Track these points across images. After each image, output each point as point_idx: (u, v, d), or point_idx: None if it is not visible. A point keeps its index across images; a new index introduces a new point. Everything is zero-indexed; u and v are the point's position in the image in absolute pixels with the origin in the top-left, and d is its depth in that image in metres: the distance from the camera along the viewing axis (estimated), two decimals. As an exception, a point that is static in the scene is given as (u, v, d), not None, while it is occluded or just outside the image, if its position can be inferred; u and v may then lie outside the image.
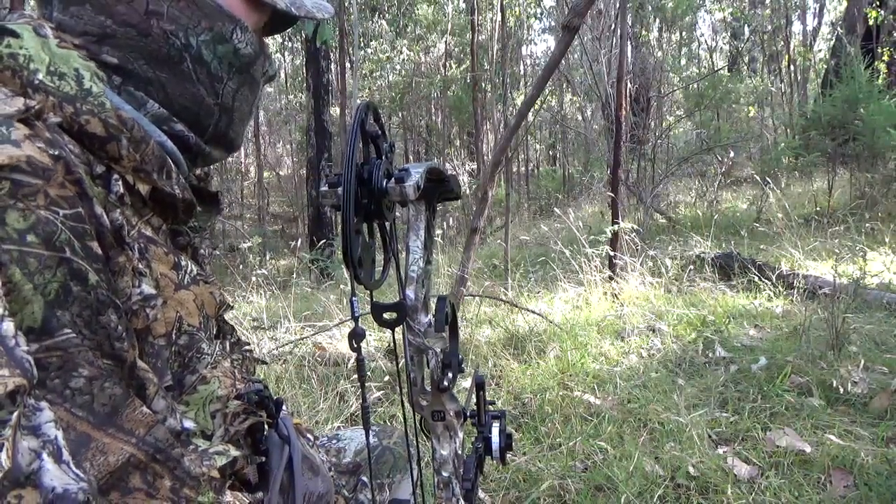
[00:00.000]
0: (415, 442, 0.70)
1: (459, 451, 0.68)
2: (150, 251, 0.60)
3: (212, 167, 0.81)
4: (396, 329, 0.58)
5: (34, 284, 0.47)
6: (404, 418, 0.65)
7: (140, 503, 0.51)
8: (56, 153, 0.51)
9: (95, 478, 0.48)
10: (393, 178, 0.53)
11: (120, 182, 0.58)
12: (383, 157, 0.54)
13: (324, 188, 0.53)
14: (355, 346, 0.52)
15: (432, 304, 0.65)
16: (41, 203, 0.49)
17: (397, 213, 0.62)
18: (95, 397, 0.50)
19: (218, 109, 0.69)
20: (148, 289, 0.58)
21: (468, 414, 0.74)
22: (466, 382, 2.18)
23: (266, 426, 0.77)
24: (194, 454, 0.58)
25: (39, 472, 0.44)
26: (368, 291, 0.58)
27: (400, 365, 0.64)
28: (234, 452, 0.62)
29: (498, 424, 0.75)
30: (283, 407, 0.83)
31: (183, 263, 0.64)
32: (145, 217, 0.62)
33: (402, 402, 0.63)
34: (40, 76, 0.55)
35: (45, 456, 0.44)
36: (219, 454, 0.60)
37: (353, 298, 0.51)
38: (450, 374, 0.62)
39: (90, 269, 0.51)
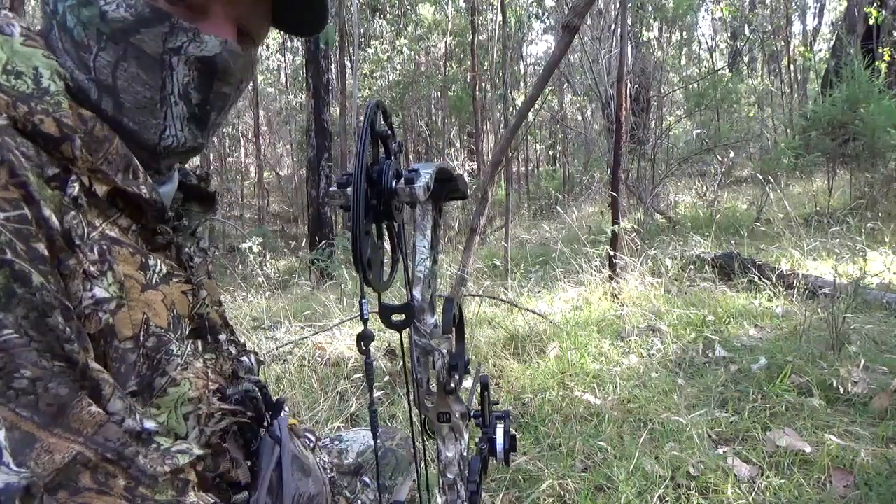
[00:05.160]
0: (420, 443, 0.70)
1: (465, 453, 0.68)
2: (113, 252, 0.59)
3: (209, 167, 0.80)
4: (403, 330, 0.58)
5: None
6: (410, 420, 0.65)
7: (93, 500, 0.50)
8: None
9: (40, 476, 0.47)
10: (403, 179, 0.53)
11: (76, 184, 0.57)
12: (392, 158, 0.54)
13: (332, 188, 0.52)
14: (364, 348, 0.52)
15: (438, 304, 0.65)
16: None
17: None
18: (40, 398, 0.49)
19: (95, 87, 0.61)
20: (101, 292, 0.56)
21: (472, 415, 0.74)
22: (467, 383, 2.18)
23: (259, 427, 0.75)
24: (156, 453, 0.57)
25: None
26: (374, 292, 0.58)
27: (407, 366, 0.64)
28: (196, 451, 0.61)
29: (502, 425, 0.75)
30: (285, 408, 0.83)
31: (151, 263, 0.63)
32: (111, 218, 0.61)
33: (409, 403, 0.63)
34: None
35: None
36: (181, 453, 0.59)
37: (363, 300, 0.51)
38: (456, 376, 0.62)
39: (34, 271, 0.50)
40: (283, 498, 0.74)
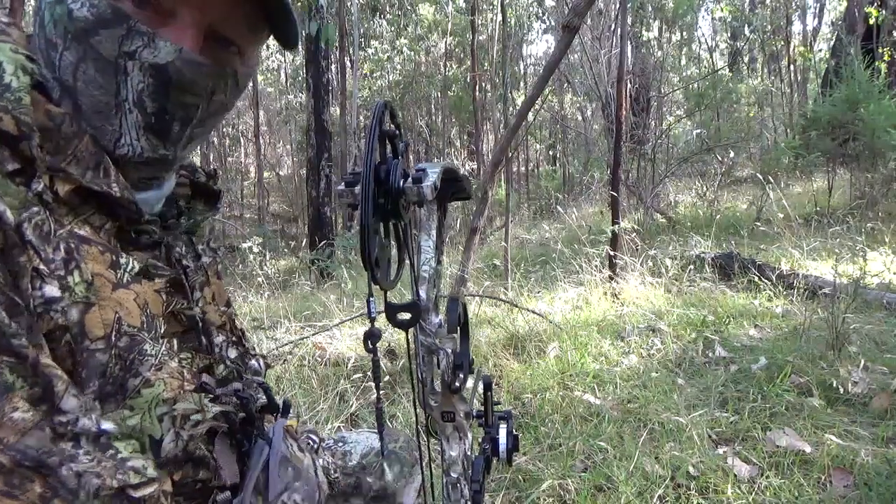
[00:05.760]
0: (424, 444, 0.70)
1: (469, 453, 0.68)
2: (81, 251, 0.57)
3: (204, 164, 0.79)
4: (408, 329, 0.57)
5: None
6: (416, 419, 0.66)
7: None
8: None
9: None
10: (410, 178, 0.53)
11: (41, 180, 0.55)
12: (400, 157, 0.54)
13: (340, 187, 0.52)
14: (371, 346, 0.52)
15: (441, 304, 0.65)
16: None
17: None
18: None
19: (59, 87, 0.60)
20: (52, 291, 0.54)
21: (474, 414, 0.74)
22: (468, 383, 2.18)
23: (251, 428, 0.74)
24: (110, 461, 0.54)
25: None
26: (379, 291, 0.58)
27: (409, 365, 0.64)
28: (151, 473, 0.57)
29: (505, 426, 0.75)
30: (290, 411, 0.82)
31: (122, 261, 0.61)
32: (82, 216, 0.59)
33: (415, 403, 0.64)
34: None
35: None
36: (135, 471, 0.56)
37: (371, 299, 0.51)
38: (461, 375, 0.62)
39: None
40: (268, 500, 0.74)
